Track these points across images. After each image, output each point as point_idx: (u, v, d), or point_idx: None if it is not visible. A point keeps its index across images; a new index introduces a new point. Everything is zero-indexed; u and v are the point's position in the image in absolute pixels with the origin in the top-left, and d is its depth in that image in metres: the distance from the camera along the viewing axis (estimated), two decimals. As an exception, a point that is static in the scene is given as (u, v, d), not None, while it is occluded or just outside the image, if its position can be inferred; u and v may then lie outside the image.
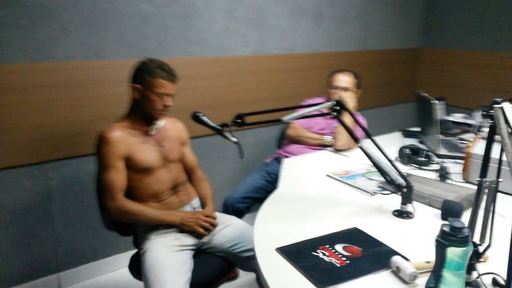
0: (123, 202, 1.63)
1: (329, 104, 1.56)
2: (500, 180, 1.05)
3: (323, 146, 2.52)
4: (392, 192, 1.60)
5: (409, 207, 1.52)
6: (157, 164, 1.74)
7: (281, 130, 2.87)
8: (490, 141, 1.08)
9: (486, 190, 1.05)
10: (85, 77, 2.20)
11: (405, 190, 1.49)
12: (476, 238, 1.08)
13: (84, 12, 2.14)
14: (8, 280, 2.17)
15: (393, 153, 2.16)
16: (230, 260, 1.78)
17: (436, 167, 2.01)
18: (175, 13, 2.46)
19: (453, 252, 0.95)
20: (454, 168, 1.99)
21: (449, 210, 1.47)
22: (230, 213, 2.23)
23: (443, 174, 1.88)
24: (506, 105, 0.97)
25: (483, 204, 1.08)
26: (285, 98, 3.08)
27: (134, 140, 1.70)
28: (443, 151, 2.24)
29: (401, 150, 2.13)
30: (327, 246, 1.29)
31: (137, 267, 1.69)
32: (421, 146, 2.32)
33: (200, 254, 1.76)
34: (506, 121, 0.95)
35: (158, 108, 1.70)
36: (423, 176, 1.89)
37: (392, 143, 2.40)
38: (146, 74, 1.67)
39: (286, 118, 1.60)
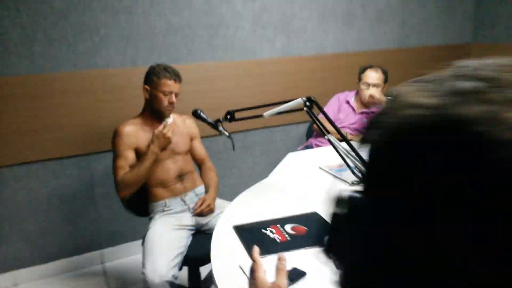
0: (122, 177, 1.91)
1: (299, 100, 1.70)
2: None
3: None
4: (358, 182, 1.69)
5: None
6: (164, 156, 2.02)
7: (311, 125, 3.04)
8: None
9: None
10: (122, 81, 2.57)
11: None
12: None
13: (120, 26, 2.52)
14: (58, 253, 2.62)
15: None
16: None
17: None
18: (203, 23, 2.74)
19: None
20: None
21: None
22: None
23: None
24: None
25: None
26: (316, 97, 3.19)
27: (144, 134, 2.00)
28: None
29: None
30: (278, 225, 1.44)
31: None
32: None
33: (199, 234, 2.00)
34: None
35: (164, 105, 1.97)
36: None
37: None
38: (153, 76, 1.96)
39: (265, 113, 1.77)
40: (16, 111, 2.34)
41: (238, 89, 2.94)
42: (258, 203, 1.66)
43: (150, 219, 2.03)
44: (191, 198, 2.07)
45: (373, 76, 2.71)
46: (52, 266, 2.61)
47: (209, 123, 1.95)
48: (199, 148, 2.22)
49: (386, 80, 2.76)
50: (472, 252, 0.27)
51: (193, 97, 2.75)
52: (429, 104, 0.30)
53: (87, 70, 2.50)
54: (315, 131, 2.93)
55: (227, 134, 1.92)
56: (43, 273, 2.59)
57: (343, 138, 1.55)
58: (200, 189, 2.14)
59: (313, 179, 1.92)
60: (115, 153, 1.96)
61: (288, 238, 1.35)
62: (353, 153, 1.62)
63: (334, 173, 1.95)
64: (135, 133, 1.98)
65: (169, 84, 1.95)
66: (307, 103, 1.67)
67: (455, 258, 0.28)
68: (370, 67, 2.77)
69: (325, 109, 2.85)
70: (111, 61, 2.55)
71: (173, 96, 1.98)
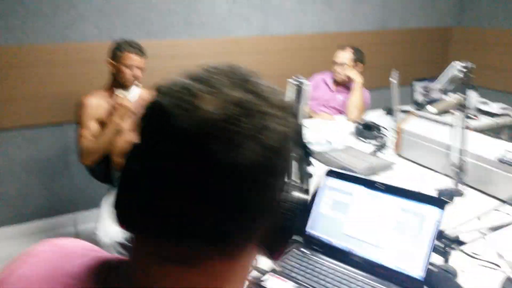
0: (84, 145, 2.03)
1: None
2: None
3: None
4: None
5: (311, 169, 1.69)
6: (126, 127, 2.13)
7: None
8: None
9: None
10: (97, 55, 2.65)
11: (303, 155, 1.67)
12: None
13: (97, 1, 2.59)
14: (33, 215, 2.79)
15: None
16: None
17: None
18: (178, -1, 2.81)
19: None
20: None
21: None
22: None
23: (377, 148, 1.98)
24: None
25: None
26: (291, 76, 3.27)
27: (108, 106, 2.10)
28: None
29: (357, 125, 2.25)
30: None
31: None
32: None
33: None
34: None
35: (128, 78, 2.07)
36: (361, 149, 2.01)
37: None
38: (117, 50, 2.06)
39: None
40: (19, 78, 2.47)
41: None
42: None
43: (111, 185, 2.16)
44: (152, 168, 2.19)
45: (339, 55, 2.79)
46: (28, 226, 2.78)
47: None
48: None
49: (359, 60, 2.81)
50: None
51: (167, 73, 2.82)
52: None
53: (63, 42, 2.59)
54: None
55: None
56: (19, 233, 2.76)
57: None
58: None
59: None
60: (80, 123, 2.07)
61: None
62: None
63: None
64: (98, 104, 2.09)
65: (132, 58, 2.05)
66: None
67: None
68: (340, 47, 2.84)
69: None
70: (88, 35, 2.64)
71: (136, 69, 2.08)
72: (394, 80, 2.21)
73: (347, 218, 1.11)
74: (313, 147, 2.08)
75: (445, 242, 1.04)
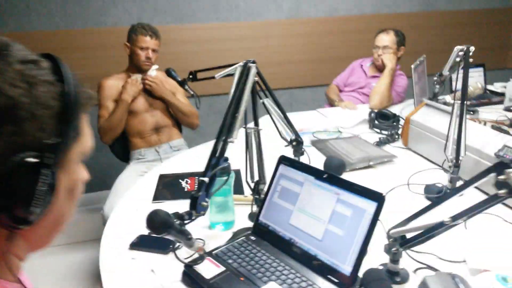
0: (101, 124, 2.16)
1: (236, 65, 1.76)
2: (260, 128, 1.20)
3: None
4: (287, 145, 1.74)
5: (301, 159, 1.66)
6: (142, 109, 2.23)
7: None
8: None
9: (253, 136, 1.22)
10: (129, 39, 2.80)
11: (294, 143, 1.63)
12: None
13: (127, -13, 2.72)
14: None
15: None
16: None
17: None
18: (207, -17, 2.83)
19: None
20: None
21: (331, 165, 1.57)
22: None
23: (384, 139, 1.88)
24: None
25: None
26: (326, 61, 3.18)
27: (124, 87, 2.21)
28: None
29: (370, 114, 2.13)
30: (196, 177, 1.59)
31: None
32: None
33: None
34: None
35: (142, 60, 2.16)
36: (367, 139, 1.91)
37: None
38: (132, 33, 2.16)
39: (217, 75, 1.87)
40: None
41: (242, 50, 3.02)
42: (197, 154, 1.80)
43: (128, 164, 2.29)
44: (165, 150, 2.29)
45: (383, 38, 2.62)
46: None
47: (178, 82, 2.10)
48: (182, 98, 2.36)
49: (401, 43, 2.65)
50: None
51: (195, 57, 2.90)
52: None
53: (97, 27, 2.75)
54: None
55: (191, 92, 2.06)
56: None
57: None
58: (176, 142, 2.34)
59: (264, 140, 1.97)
60: (98, 104, 2.21)
61: (196, 187, 1.49)
62: (284, 120, 1.68)
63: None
64: (116, 86, 2.21)
65: (145, 40, 2.13)
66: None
67: None
68: (382, 30, 2.68)
69: (340, 74, 2.85)
70: (119, 20, 2.78)
71: (150, 51, 2.16)
72: (413, 66, 2.06)
73: (294, 208, 1.08)
74: (320, 135, 2.02)
75: (391, 242, 0.97)
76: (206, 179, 0.95)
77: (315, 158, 1.67)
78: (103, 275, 1.04)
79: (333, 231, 0.98)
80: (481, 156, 1.39)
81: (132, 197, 1.50)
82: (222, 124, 1.04)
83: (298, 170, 1.11)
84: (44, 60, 0.49)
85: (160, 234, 0.86)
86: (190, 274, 0.99)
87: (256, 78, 1.17)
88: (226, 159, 1.20)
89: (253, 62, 1.15)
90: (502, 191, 0.68)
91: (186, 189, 1.50)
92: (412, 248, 1.02)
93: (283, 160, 1.16)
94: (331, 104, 2.73)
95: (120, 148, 2.33)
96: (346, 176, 1.57)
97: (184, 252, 1.09)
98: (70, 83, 0.49)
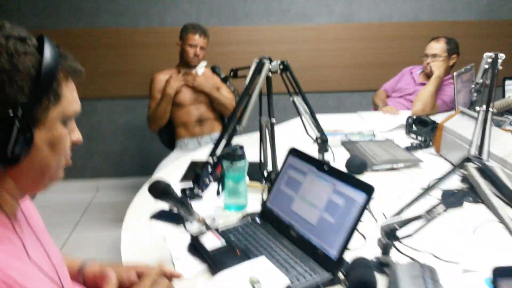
0: (149, 114, 2.36)
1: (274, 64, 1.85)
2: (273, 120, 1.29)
3: None
4: (314, 142, 1.79)
5: (325, 156, 1.71)
6: (187, 102, 2.41)
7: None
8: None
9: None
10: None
11: (319, 141, 1.69)
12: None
13: (188, -11, 2.93)
14: (128, 172, 3.30)
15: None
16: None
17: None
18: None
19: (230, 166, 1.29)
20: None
21: (352, 163, 1.62)
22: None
23: (416, 145, 1.87)
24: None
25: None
26: (377, 68, 3.18)
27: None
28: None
29: (407, 119, 2.12)
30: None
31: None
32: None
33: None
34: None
35: (190, 57, 2.34)
36: (400, 144, 1.91)
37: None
38: (183, 32, 2.35)
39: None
40: (102, 57, 2.99)
41: (292, 52, 3.11)
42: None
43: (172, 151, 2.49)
44: (206, 141, 2.45)
45: (432, 46, 2.60)
46: (124, 181, 3.32)
47: (220, 78, 2.25)
48: (226, 93, 2.50)
49: (453, 52, 2.59)
50: None
51: (246, 57, 3.01)
52: None
53: (159, 27, 3.00)
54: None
55: (232, 88, 2.20)
56: (117, 185, 3.32)
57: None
58: (217, 135, 2.46)
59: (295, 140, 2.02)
60: (150, 95, 2.42)
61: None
62: (311, 117, 1.74)
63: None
64: (165, 80, 2.40)
65: (194, 38, 2.31)
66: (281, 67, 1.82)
67: None
68: (433, 38, 2.65)
69: (390, 80, 2.85)
70: (178, 20, 2.99)
71: (198, 49, 2.33)
72: (456, 73, 2.02)
73: (297, 196, 1.15)
74: (352, 136, 2.05)
75: (383, 236, 1.01)
76: (210, 159, 1.06)
77: (341, 157, 1.72)
78: (123, 237, 1.19)
79: (327, 218, 1.04)
80: (504, 165, 1.36)
81: (164, 177, 1.64)
82: (232, 113, 1.15)
83: (304, 162, 1.18)
84: (33, 39, 0.60)
85: (160, 200, 0.98)
86: (194, 244, 1.10)
87: (270, 74, 1.25)
88: (242, 148, 1.31)
89: (269, 58, 1.24)
90: (464, 185, 0.71)
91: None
92: (411, 247, 1.06)
93: (292, 151, 1.24)
94: (376, 109, 2.72)
95: (167, 136, 2.53)
96: (368, 176, 1.62)
97: (195, 227, 1.20)
98: (47, 55, 0.59)
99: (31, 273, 0.62)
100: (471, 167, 0.67)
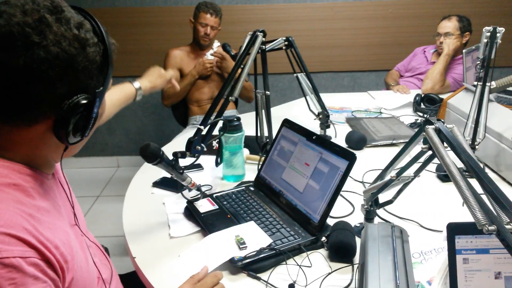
0: (165, 89, 2.43)
1: (279, 40, 1.87)
2: (267, 92, 1.33)
3: None
4: (316, 118, 1.82)
5: (327, 131, 1.75)
6: (201, 80, 2.47)
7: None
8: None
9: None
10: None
11: (320, 116, 1.73)
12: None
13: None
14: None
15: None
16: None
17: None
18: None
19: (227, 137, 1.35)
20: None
21: (351, 138, 1.65)
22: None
23: (417, 122, 1.88)
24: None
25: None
26: (390, 46, 3.15)
27: (187, 59, 2.47)
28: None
29: (415, 97, 2.12)
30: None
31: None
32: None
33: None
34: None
35: (201, 35, 2.39)
36: (405, 121, 1.92)
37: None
38: (196, 10, 2.40)
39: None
40: (122, 35, 3.08)
41: (307, 31, 3.11)
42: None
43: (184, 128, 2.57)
44: (219, 119, 2.51)
45: (444, 25, 2.55)
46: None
47: (231, 55, 2.29)
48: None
49: (465, 29, 2.55)
50: None
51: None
52: None
53: (176, 6, 3.06)
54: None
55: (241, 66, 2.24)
56: (136, 162, 3.44)
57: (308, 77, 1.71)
58: (228, 112, 2.54)
59: (300, 116, 2.06)
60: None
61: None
62: (314, 93, 1.77)
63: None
64: (180, 56, 2.48)
65: (206, 17, 2.35)
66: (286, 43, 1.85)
67: None
68: (446, 16, 2.60)
69: (403, 60, 2.84)
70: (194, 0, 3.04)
71: (208, 28, 2.37)
72: (465, 50, 1.98)
73: (287, 165, 1.20)
74: (358, 114, 2.07)
75: (366, 202, 1.05)
76: (201, 127, 1.12)
77: (342, 133, 1.75)
78: (126, 201, 1.28)
79: (312, 185, 1.09)
80: (500, 140, 1.36)
81: (171, 148, 1.72)
82: (224, 83, 1.20)
83: (296, 132, 1.23)
84: (86, 22, 0.64)
85: (151, 163, 1.04)
86: (189, 208, 1.18)
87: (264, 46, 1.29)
88: (238, 119, 1.37)
89: (262, 31, 1.27)
90: (424, 146, 0.75)
91: (214, 148, 1.68)
92: (395, 215, 1.11)
93: (285, 123, 1.28)
94: (388, 88, 2.71)
95: (181, 113, 2.61)
96: (368, 151, 1.64)
97: (192, 194, 1.28)
98: (110, 44, 0.66)
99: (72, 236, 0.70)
100: (430, 129, 0.71)
